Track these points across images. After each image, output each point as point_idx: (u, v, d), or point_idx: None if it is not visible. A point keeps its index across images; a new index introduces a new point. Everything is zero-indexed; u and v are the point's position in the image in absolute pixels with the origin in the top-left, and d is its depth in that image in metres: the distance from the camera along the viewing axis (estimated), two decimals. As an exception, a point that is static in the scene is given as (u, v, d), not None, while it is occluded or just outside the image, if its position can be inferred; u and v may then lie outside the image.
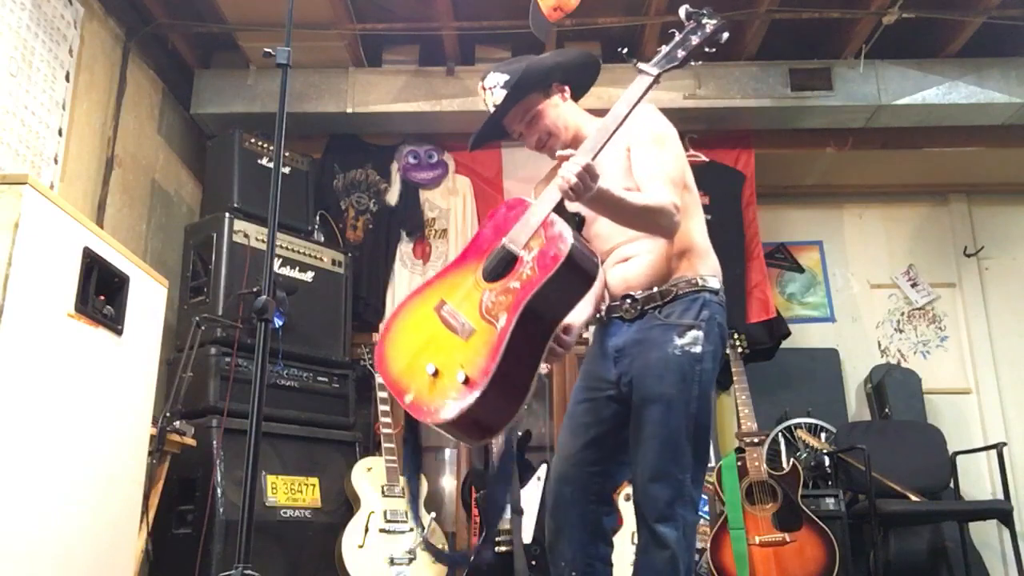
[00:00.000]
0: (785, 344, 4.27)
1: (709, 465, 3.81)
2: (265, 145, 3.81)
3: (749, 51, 4.14)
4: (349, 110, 4.17)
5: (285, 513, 3.29)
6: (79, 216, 2.05)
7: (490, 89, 2.03)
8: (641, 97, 1.74)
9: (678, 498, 1.83)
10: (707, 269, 1.98)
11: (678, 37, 1.77)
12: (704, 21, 1.75)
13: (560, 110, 2.07)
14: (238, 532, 1.68)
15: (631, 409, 1.92)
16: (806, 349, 4.61)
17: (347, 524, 3.38)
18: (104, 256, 2.14)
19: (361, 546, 3.34)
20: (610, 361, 1.98)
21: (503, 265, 1.72)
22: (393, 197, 4.43)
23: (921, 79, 4.13)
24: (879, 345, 4.76)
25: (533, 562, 3.44)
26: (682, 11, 1.77)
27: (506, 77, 2.01)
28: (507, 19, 3.86)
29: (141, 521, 2.49)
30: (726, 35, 1.75)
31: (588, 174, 1.67)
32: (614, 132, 1.73)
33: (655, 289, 1.93)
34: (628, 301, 1.96)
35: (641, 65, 1.76)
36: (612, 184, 1.78)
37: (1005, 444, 3.94)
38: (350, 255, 4.01)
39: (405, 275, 4.34)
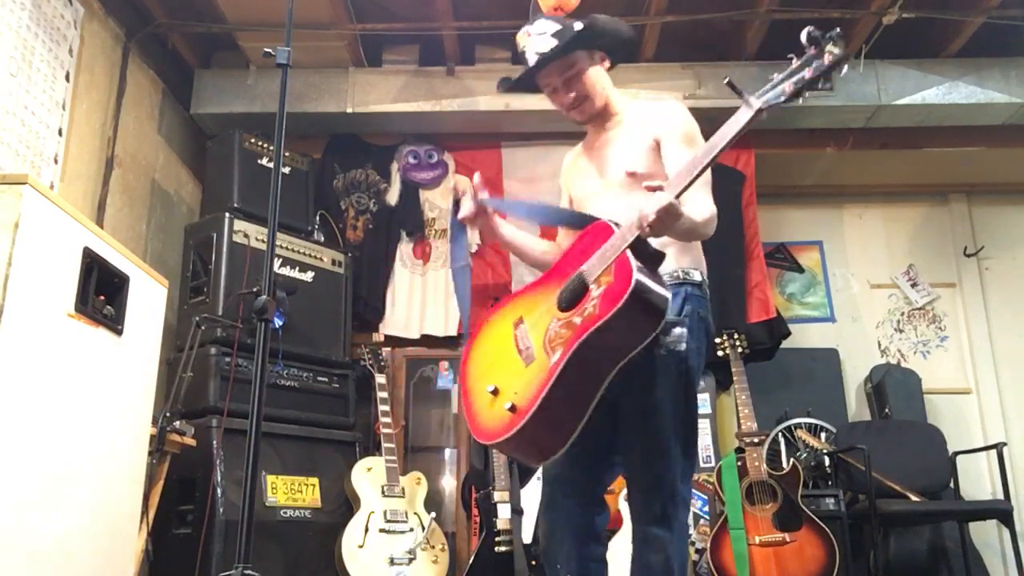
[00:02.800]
0: (785, 344, 4.27)
1: (709, 465, 3.87)
2: (265, 145, 3.81)
3: (749, 51, 4.14)
4: (349, 110, 4.17)
5: (285, 513, 3.29)
6: (79, 216, 2.05)
7: (537, 35, 2.00)
8: (741, 132, 1.56)
9: (669, 499, 1.83)
10: (689, 261, 1.95)
11: (793, 65, 1.51)
12: (826, 49, 1.46)
13: (599, 76, 2.06)
14: (238, 532, 1.68)
15: (618, 410, 1.90)
16: (806, 349, 4.61)
17: (347, 524, 3.38)
18: (104, 256, 2.14)
19: (361, 546, 3.33)
20: None
21: (574, 295, 1.72)
22: (393, 197, 4.43)
23: (921, 79, 4.14)
24: (879, 345, 4.76)
25: (533, 562, 3.45)
26: (804, 34, 1.48)
27: (558, 27, 1.98)
28: (507, 19, 3.85)
29: (141, 521, 2.49)
30: (846, 68, 1.48)
31: (670, 214, 1.59)
32: (704, 168, 1.60)
33: None
34: None
35: (746, 95, 1.55)
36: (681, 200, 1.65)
37: (1005, 444, 3.94)
38: (350, 255, 4.01)
39: (405, 275, 4.34)
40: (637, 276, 1.58)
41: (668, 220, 1.60)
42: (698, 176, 1.61)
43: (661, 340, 1.85)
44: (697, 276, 1.95)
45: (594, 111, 2.06)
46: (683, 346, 1.86)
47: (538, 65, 2.00)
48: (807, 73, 1.48)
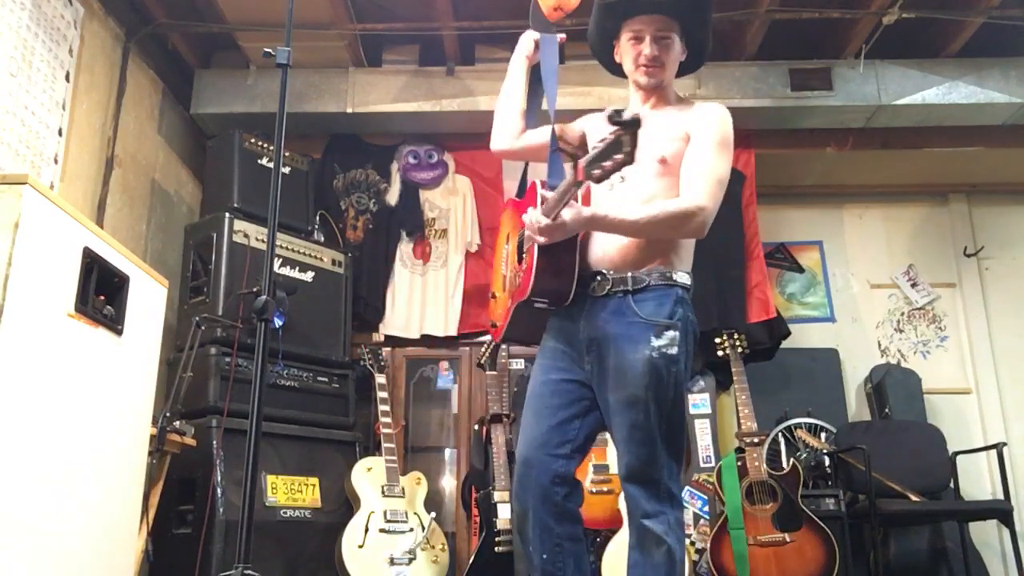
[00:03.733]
0: (785, 344, 4.27)
1: (709, 465, 3.87)
2: (265, 145, 3.81)
3: (749, 51, 4.14)
4: (349, 110, 4.17)
5: (285, 513, 3.29)
6: (79, 216, 2.05)
7: None
8: (568, 196, 1.79)
9: (656, 496, 1.86)
10: (681, 263, 1.98)
11: (606, 143, 1.61)
12: (622, 139, 1.57)
13: (676, 62, 2.10)
14: (238, 532, 1.69)
15: (605, 403, 1.93)
16: (806, 349, 4.61)
17: (347, 524, 3.38)
18: (104, 256, 2.14)
19: (361, 546, 3.34)
20: (582, 347, 1.99)
21: (519, 252, 2.08)
22: (393, 197, 4.43)
23: (921, 79, 4.13)
24: (879, 345, 4.76)
25: (533, 562, 3.44)
26: (607, 113, 1.58)
27: None
28: (507, 19, 3.86)
29: (141, 521, 2.49)
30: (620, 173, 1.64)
31: (552, 230, 1.85)
32: (561, 208, 1.83)
33: (628, 273, 1.93)
34: (598, 278, 1.96)
35: (581, 162, 1.68)
36: (619, 203, 1.90)
37: (1005, 444, 3.94)
38: (350, 255, 4.01)
39: (405, 275, 4.34)
40: (528, 293, 1.95)
41: (551, 235, 1.86)
42: (558, 210, 1.83)
43: (653, 342, 1.88)
44: (686, 279, 1.97)
45: (660, 82, 2.08)
46: (675, 349, 1.89)
47: (645, 3, 2.03)
48: (596, 171, 1.63)
